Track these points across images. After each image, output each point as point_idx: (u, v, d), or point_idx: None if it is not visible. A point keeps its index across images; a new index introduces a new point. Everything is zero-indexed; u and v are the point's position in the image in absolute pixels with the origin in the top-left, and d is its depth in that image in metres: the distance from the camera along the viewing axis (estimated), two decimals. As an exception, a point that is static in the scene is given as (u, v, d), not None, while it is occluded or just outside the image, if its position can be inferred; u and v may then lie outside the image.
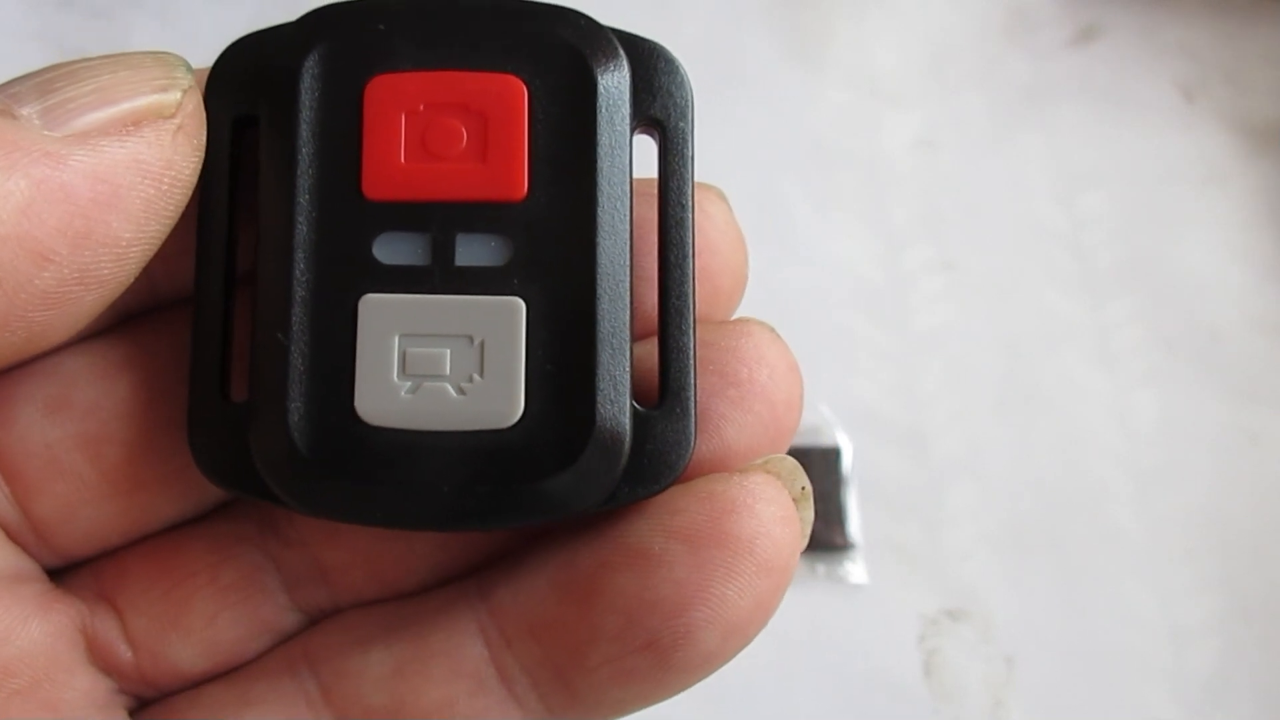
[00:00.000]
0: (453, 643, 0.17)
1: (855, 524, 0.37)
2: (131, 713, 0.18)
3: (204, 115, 0.16)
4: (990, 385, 0.39)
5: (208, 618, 0.17)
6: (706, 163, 0.43)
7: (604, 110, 0.16)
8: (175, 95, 0.15)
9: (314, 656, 0.17)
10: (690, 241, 0.16)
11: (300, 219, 0.16)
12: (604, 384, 0.16)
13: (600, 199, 0.16)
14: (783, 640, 0.35)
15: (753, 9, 0.46)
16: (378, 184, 0.16)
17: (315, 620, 0.18)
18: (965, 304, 0.41)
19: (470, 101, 0.16)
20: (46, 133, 0.14)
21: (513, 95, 0.16)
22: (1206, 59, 0.45)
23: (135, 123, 0.15)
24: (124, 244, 0.15)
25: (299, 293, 0.16)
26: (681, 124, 0.17)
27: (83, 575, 0.18)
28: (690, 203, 0.17)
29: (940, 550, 0.37)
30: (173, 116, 0.15)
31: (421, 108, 0.16)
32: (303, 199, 0.16)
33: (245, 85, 0.16)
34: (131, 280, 0.16)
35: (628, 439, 0.16)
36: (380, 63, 0.16)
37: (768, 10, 0.45)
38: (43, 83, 0.15)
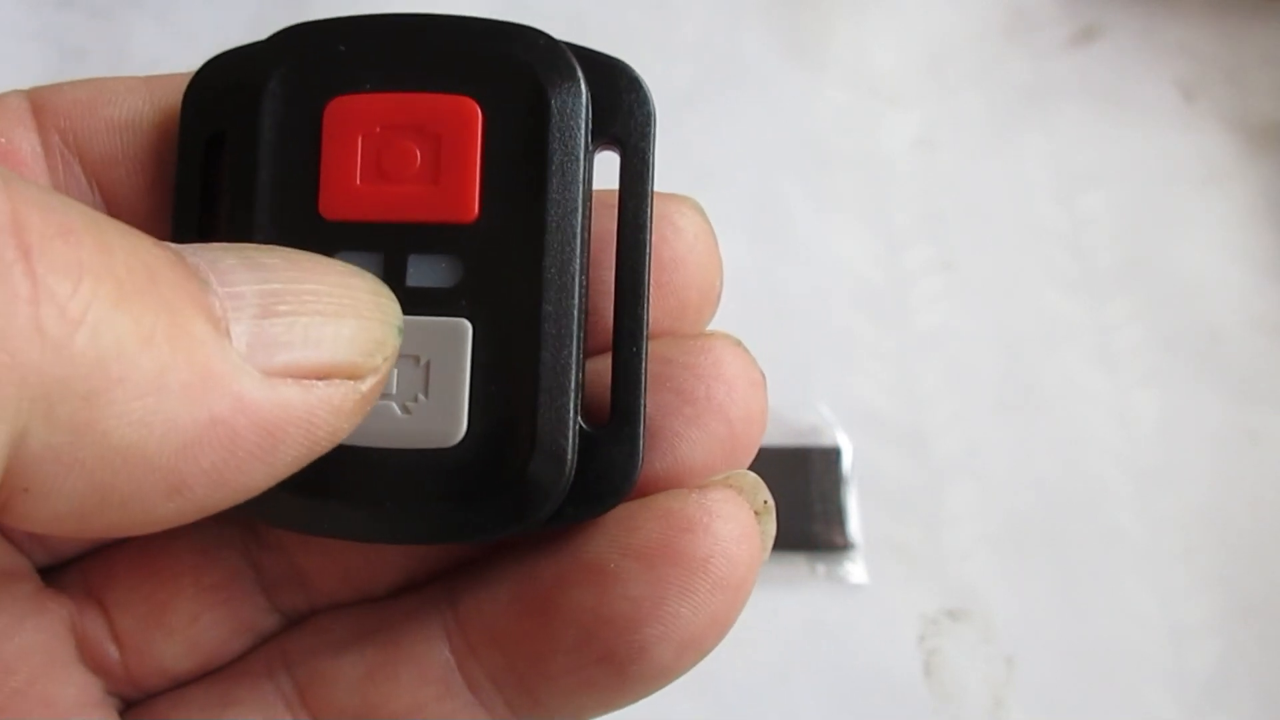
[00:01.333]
0: (420, 648, 0.17)
1: (855, 524, 0.37)
2: (120, 714, 0.18)
3: (386, 382, 0.15)
4: (990, 385, 0.40)
5: (190, 617, 0.18)
6: (707, 163, 0.43)
7: (556, 131, 0.16)
8: (376, 361, 0.14)
9: (291, 659, 0.18)
10: (645, 262, 0.17)
11: (259, 237, 0.16)
12: (545, 406, 0.16)
13: (549, 221, 0.16)
14: (783, 640, 0.35)
15: (752, 9, 0.46)
16: (334, 204, 0.16)
17: (295, 622, 0.18)
18: (965, 304, 0.41)
19: (425, 124, 0.16)
20: (245, 365, 0.13)
21: (466, 117, 0.16)
22: (1206, 59, 0.45)
23: (325, 375, 0.13)
24: (252, 490, 0.13)
25: None
26: (641, 143, 0.17)
27: (71, 575, 0.18)
28: (647, 223, 0.17)
29: (940, 550, 0.37)
30: (361, 381, 0.14)
31: (378, 129, 0.16)
32: (261, 218, 0.16)
33: (215, 104, 0.16)
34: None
35: (569, 461, 0.16)
36: (340, 84, 0.16)
37: (767, 10, 0.45)
38: (269, 295, 0.13)
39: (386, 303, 0.15)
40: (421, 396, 0.16)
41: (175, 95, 0.17)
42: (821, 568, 0.36)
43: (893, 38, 0.45)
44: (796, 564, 0.36)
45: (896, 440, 0.38)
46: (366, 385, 0.14)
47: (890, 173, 0.43)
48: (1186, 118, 0.44)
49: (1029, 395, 0.39)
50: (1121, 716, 0.36)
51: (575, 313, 0.16)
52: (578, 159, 0.16)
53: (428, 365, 0.16)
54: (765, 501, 0.17)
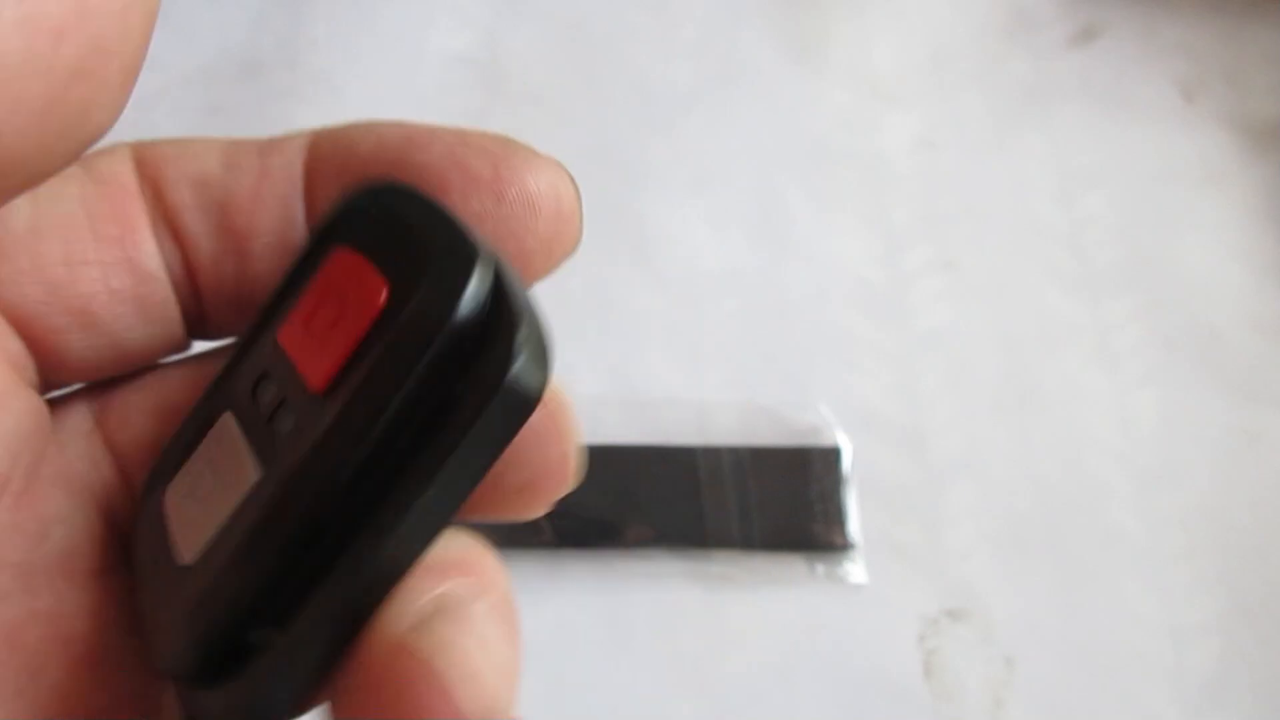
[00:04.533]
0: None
1: (855, 524, 0.37)
2: None
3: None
4: (990, 385, 0.40)
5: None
6: (707, 163, 0.42)
7: (425, 363, 0.14)
8: None
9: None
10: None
11: (253, 338, 0.17)
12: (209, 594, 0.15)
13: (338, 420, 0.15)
14: (783, 640, 0.35)
15: (752, 9, 0.46)
16: (286, 333, 0.17)
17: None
18: (965, 304, 0.41)
19: (351, 291, 0.16)
20: None
21: (371, 297, 0.15)
22: (1206, 59, 0.45)
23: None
24: (119, 6, 0.16)
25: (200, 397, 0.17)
26: (485, 408, 0.14)
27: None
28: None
29: (940, 550, 0.37)
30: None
31: (336, 281, 0.16)
32: (255, 319, 0.17)
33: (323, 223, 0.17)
34: (142, 52, 0.17)
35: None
36: (348, 238, 0.17)
37: (767, 10, 0.45)
38: None
39: None
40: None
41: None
42: (821, 568, 0.36)
43: (893, 38, 0.45)
44: (796, 564, 0.36)
45: (896, 440, 0.38)
46: None
47: (890, 173, 0.43)
48: (1186, 118, 0.44)
49: (1029, 395, 0.39)
50: (1121, 716, 0.36)
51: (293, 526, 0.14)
52: (428, 397, 0.14)
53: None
54: None
